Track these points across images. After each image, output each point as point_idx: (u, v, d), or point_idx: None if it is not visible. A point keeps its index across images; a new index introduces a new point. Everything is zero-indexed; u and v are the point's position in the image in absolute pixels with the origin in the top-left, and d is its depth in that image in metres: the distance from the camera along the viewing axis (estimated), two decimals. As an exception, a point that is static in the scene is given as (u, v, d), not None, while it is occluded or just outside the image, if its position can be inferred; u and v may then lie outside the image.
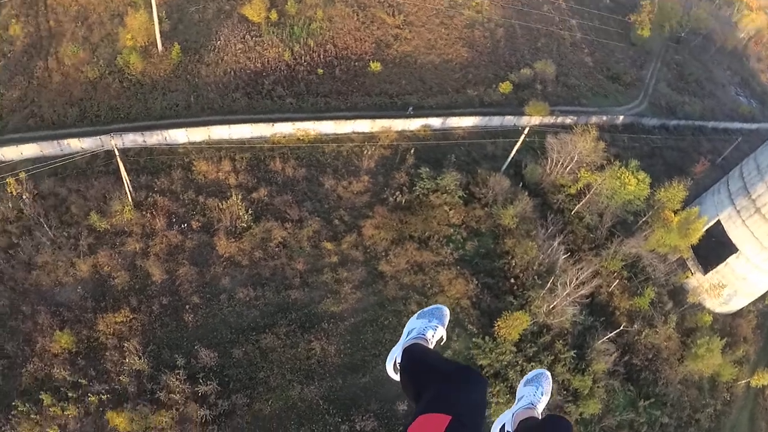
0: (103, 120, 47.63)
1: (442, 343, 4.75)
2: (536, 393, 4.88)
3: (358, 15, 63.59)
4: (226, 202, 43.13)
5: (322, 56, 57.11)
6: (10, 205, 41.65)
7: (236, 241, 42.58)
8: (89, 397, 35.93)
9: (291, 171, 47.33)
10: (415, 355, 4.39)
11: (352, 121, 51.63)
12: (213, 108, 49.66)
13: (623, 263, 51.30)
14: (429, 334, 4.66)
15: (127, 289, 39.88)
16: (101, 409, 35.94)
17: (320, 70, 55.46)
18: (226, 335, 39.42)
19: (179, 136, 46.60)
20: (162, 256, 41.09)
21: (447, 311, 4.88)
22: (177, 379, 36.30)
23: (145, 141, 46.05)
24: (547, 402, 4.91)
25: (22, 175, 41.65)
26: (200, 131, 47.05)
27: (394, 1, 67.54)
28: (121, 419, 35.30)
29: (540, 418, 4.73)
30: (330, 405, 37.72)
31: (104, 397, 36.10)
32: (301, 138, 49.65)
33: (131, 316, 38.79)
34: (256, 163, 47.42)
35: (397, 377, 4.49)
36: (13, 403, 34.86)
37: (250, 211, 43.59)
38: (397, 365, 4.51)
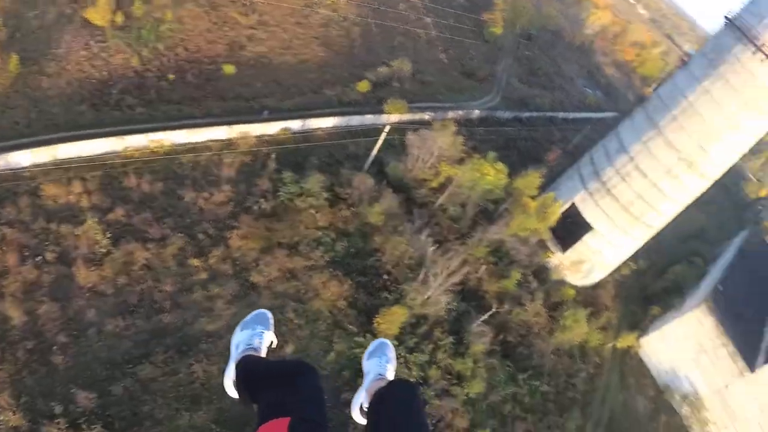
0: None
1: (274, 347, 4.82)
2: (381, 363, 4.89)
3: (209, 15, 62.35)
4: (81, 228, 40.48)
5: (172, 60, 55.34)
6: None
7: (97, 268, 40.07)
8: None
9: (147, 186, 45.35)
10: (245, 368, 4.39)
11: (208, 128, 50.44)
12: (57, 124, 46.25)
13: (488, 249, 54.75)
14: (256, 342, 4.70)
15: None
16: None
17: (171, 76, 53.68)
18: (101, 372, 36.94)
19: (22, 158, 42.76)
20: (18, 296, 37.49)
21: (269, 314, 5.00)
22: (58, 429, 33.60)
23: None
24: (394, 369, 4.98)
25: None
26: (45, 151, 43.54)
27: (248, 0, 67.04)
28: None
29: None
30: (222, 427, 36.83)
31: None
32: (155, 150, 47.74)
33: None
34: (109, 181, 44.85)
35: (236, 395, 4.46)
36: None
37: (108, 234, 41.23)
38: (232, 384, 4.49)
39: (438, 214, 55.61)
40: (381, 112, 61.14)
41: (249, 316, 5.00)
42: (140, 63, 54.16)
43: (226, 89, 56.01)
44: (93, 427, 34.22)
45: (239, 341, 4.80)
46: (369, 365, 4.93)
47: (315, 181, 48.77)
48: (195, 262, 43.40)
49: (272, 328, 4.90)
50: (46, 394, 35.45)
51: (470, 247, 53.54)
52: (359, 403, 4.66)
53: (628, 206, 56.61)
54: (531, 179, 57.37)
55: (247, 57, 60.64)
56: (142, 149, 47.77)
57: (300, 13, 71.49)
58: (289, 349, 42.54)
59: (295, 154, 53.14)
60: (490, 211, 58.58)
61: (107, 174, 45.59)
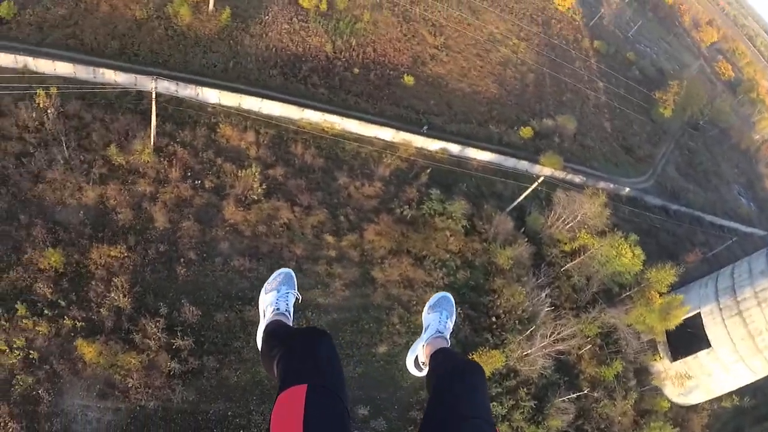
0: (141, 60, 50.58)
1: (299, 302, 5.23)
2: (441, 319, 5.15)
3: (401, 26, 67.98)
4: (243, 171, 46.31)
5: (360, 57, 61.09)
6: (34, 115, 44.19)
7: (244, 210, 45.72)
8: (64, 320, 38.38)
9: (310, 158, 50.81)
10: (267, 336, 4.64)
11: (377, 126, 55.48)
12: (249, 79, 53.01)
13: (599, 330, 55.79)
14: (283, 305, 4.96)
15: (128, 227, 42.56)
16: (72, 334, 38.30)
17: (356, 70, 59.34)
18: (212, 297, 42.31)
19: (211, 95, 49.77)
20: (169, 205, 43.98)
21: (293, 274, 5.26)
22: (155, 326, 38.89)
23: (177, 91, 49.05)
24: (452, 325, 5.28)
25: (53, 89, 44.43)
26: (232, 97, 50.29)
27: (438, 21, 72.20)
28: (91, 350, 37.65)
29: (449, 347, 4.98)
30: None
31: (79, 324, 38.46)
32: (326, 129, 53.25)
33: (125, 254, 41.36)
34: (279, 142, 50.82)
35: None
36: None
37: (263, 186, 46.83)
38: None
39: (561, 279, 57.40)
40: (536, 161, 63.94)
41: (273, 277, 5.23)
42: (332, 50, 60.26)
43: (402, 97, 61.00)
44: (186, 338, 39.31)
45: (267, 304, 5.06)
46: (429, 319, 5.22)
47: (459, 207, 52.21)
48: (329, 238, 48.01)
49: (296, 286, 5.17)
50: (158, 294, 41.27)
51: (583, 322, 54.85)
52: (415, 355, 5.06)
53: (755, 334, 55.66)
54: (665, 275, 57.69)
55: (426, 74, 65.52)
56: (314, 125, 53.38)
57: (482, 46, 75.86)
58: (382, 348, 45.93)
59: (446, 176, 57.00)
60: (613, 292, 59.56)
61: (279, 135, 51.52)
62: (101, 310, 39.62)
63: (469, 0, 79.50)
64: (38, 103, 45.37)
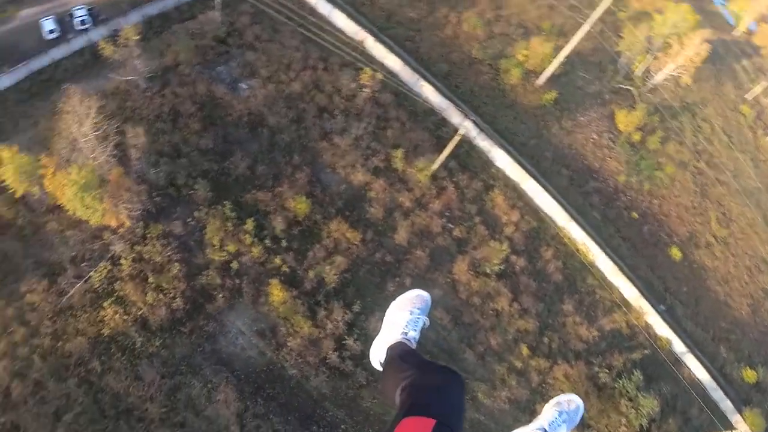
0: (458, 93, 53.80)
1: (426, 328, 4.99)
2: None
3: (695, 198, 65.44)
4: (492, 242, 47.12)
5: (644, 203, 59.69)
6: (352, 86, 50.02)
7: (472, 275, 46.47)
8: (276, 257, 42.57)
9: (552, 269, 50.11)
10: (400, 357, 4.55)
11: (626, 279, 53.59)
12: (539, 163, 53.87)
13: None
14: (411, 332, 4.83)
15: (372, 222, 46.37)
16: (274, 273, 42.25)
17: (635, 214, 57.99)
18: None
19: (501, 159, 51.34)
20: (415, 229, 47.06)
21: (429, 298, 5.10)
22: (342, 316, 41.72)
23: (475, 138, 51.19)
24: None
25: (379, 75, 49.27)
26: (518, 172, 51.32)
27: (730, 212, 68.73)
28: (279, 295, 40.94)
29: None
30: None
31: (284, 268, 42.46)
32: (580, 251, 52.36)
33: (356, 242, 44.77)
34: (534, 236, 51.01)
35: (380, 369, 4.77)
36: (224, 203, 42.66)
37: (500, 266, 47.24)
38: (380, 363, 4.80)
39: None
40: (739, 410, 57.85)
41: (411, 296, 5.08)
42: (624, 182, 59.41)
43: (660, 266, 58.42)
44: (357, 343, 40.70)
45: (395, 322, 4.93)
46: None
47: (649, 404, 48.39)
48: (524, 349, 46.54)
49: (428, 312, 5.02)
50: (360, 292, 43.48)
51: None
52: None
53: None
54: None
55: (693, 257, 62.30)
56: (572, 241, 52.66)
57: (758, 262, 70.84)
58: None
59: (658, 366, 53.19)
60: None
61: (538, 230, 52.14)
62: (309, 271, 42.63)
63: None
64: (360, 78, 49.54)
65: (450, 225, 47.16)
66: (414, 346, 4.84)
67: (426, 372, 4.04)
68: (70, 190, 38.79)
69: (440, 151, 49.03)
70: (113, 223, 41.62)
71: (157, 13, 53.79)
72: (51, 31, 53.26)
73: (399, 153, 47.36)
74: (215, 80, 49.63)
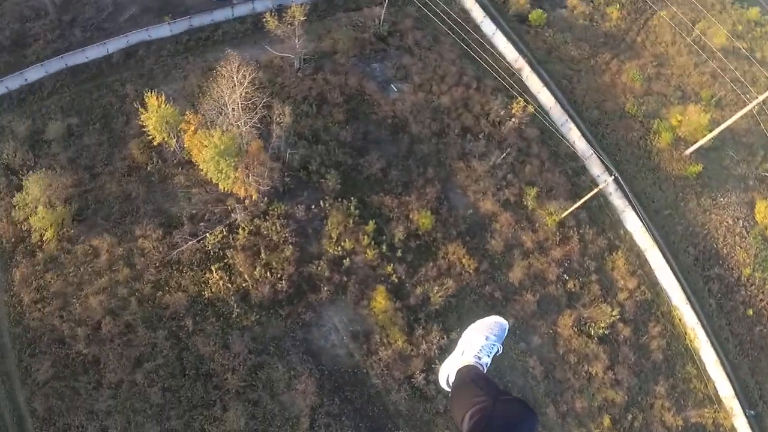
0: (603, 143, 52.82)
1: (498, 354, 4.99)
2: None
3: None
4: (604, 304, 45.61)
5: (762, 303, 56.47)
6: (502, 113, 49.32)
7: (575, 332, 44.84)
8: (387, 264, 42.85)
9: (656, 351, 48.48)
10: (469, 380, 4.58)
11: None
12: (667, 236, 51.76)
13: None
14: (484, 358, 4.86)
15: (491, 254, 45.48)
16: (382, 279, 42.47)
17: (750, 311, 55.03)
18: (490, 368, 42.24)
19: (632, 223, 49.67)
20: (531, 271, 45.89)
21: (507, 327, 5.12)
22: (437, 340, 40.83)
23: (611, 194, 49.75)
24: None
25: (530, 108, 48.91)
26: (645, 240, 49.27)
27: None
28: (382, 302, 40.76)
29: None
30: None
31: (393, 278, 42.62)
32: (687, 336, 50.40)
33: (470, 270, 44.07)
34: (646, 309, 48.43)
35: (448, 389, 4.83)
36: (351, 199, 44.01)
37: (605, 330, 45.65)
38: (449, 383, 4.83)
39: None
40: None
41: (490, 322, 5.05)
42: (749, 275, 56.19)
43: (766, 372, 55.31)
44: None
45: (471, 344, 4.92)
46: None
47: None
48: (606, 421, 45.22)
49: (503, 340, 5.01)
50: (461, 320, 42.37)
51: None
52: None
53: None
54: None
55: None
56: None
57: None
58: None
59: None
60: None
61: (651, 305, 49.39)
62: (418, 287, 42.53)
63: None
64: (512, 107, 48.90)
65: (565, 276, 46.00)
66: (485, 371, 4.85)
67: (500, 402, 3.95)
68: (208, 152, 39.98)
69: (573, 198, 47.92)
70: (241, 193, 42.65)
71: (323, -3, 54.94)
72: (219, -7, 55.56)
73: (533, 191, 46.56)
74: (368, 76, 50.26)
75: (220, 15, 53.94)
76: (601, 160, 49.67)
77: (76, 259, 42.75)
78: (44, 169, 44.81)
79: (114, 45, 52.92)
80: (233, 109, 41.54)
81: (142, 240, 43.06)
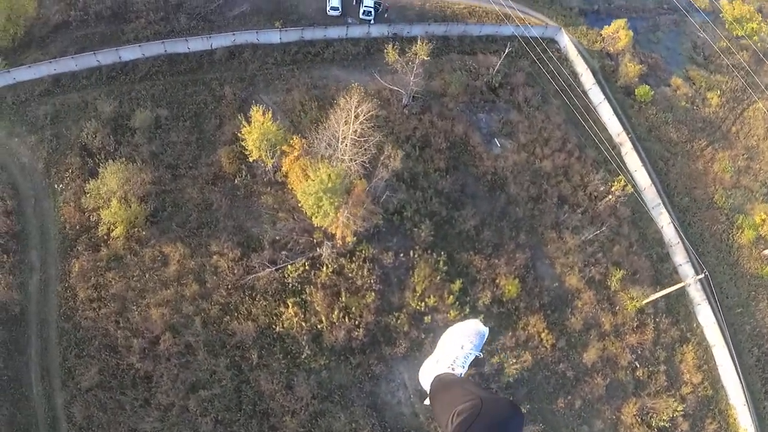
0: (689, 233, 53.03)
1: (478, 359, 4.89)
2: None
3: None
4: (665, 398, 45.92)
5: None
6: (601, 188, 48.34)
7: (641, 427, 45.47)
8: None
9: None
10: (451, 382, 4.56)
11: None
12: (735, 333, 52.30)
13: None
14: (459, 367, 4.77)
15: (568, 332, 45.72)
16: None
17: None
18: None
19: (706, 318, 50.22)
20: (604, 356, 46.01)
21: (486, 334, 4.95)
22: None
23: (690, 285, 49.96)
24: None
25: (629, 188, 49.51)
26: (716, 336, 50.10)
27: None
28: None
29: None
30: None
31: None
32: None
33: (547, 347, 44.37)
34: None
35: (427, 389, 4.78)
36: (441, 253, 42.98)
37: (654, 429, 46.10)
38: (429, 386, 4.77)
39: None
40: None
41: (470, 327, 4.96)
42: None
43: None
44: None
45: (449, 351, 4.87)
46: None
47: None
48: None
49: (481, 347, 4.93)
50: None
51: None
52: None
53: None
54: None
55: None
56: None
57: None
58: None
59: None
60: None
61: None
62: (494, 356, 42.20)
63: None
64: (612, 184, 49.08)
65: (636, 363, 46.40)
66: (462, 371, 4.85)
67: (488, 401, 3.90)
68: (311, 186, 38.64)
69: (654, 284, 48.57)
70: (337, 234, 41.38)
71: (441, 34, 54.45)
72: (334, 9, 55.01)
73: (619, 273, 46.89)
74: (473, 126, 50.14)
75: (334, 33, 53.30)
76: (690, 255, 49.84)
77: (143, 263, 41.18)
78: (124, 159, 43.33)
79: (219, 41, 51.57)
80: (343, 142, 40.64)
81: (217, 257, 41.57)
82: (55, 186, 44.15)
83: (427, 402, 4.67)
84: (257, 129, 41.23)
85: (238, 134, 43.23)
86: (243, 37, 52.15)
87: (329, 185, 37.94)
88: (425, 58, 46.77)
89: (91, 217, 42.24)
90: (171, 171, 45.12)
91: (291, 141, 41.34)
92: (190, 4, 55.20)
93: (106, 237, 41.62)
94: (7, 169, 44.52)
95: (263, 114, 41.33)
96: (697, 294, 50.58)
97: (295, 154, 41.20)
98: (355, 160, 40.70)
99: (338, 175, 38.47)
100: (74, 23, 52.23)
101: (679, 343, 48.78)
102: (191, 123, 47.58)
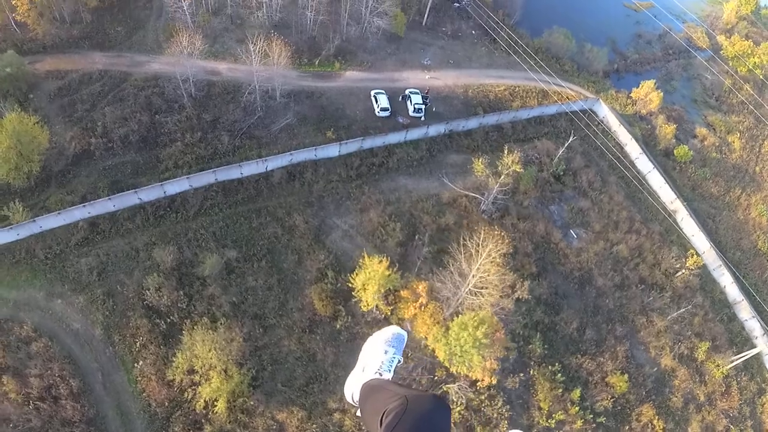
0: (746, 286, 56.42)
1: (400, 364, 5.02)
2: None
3: None
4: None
5: None
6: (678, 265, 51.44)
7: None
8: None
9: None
10: (376, 387, 4.59)
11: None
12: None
13: None
14: (385, 373, 4.89)
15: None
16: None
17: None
18: None
19: None
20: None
21: (405, 336, 5.13)
22: None
23: (756, 337, 54.27)
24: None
25: (699, 260, 52.53)
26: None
27: None
28: None
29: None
30: None
31: None
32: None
33: None
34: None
35: (354, 404, 4.84)
36: (554, 364, 44.54)
37: None
38: (355, 399, 4.82)
39: None
40: None
41: (388, 333, 5.13)
42: None
43: None
44: None
45: (372, 359, 5.03)
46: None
47: None
48: None
49: (402, 350, 5.11)
50: None
51: None
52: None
53: None
54: None
55: None
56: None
57: None
58: None
59: None
60: None
61: None
62: None
63: None
64: (686, 260, 52.27)
65: (730, 426, 50.40)
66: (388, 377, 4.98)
67: (413, 398, 3.91)
68: (455, 339, 38.05)
69: (730, 345, 52.37)
70: (483, 381, 40.94)
71: (492, 124, 55.07)
72: (384, 110, 54.28)
73: (704, 345, 50.41)
74: (550, 220, 51.54)
75: (393, 138, 52.68)
76: (753, 309, 53.73)
77: (259, 436, 37.86)
78: (205, 319, 39.37)
79: (275, 162, 48.56)
80: (473, 285, 39.62)
81: (339, 414, 39.26)
82: (124, 356, 39.84)
83: (359, 413, 4.63)
84: (375, 279, 39.44)
85: (326, 271, 41.90)
86: (301, 156, 49.72)
87: (483, 341, 37.66)
88: (516, 170, 47.10)
89: (182, 390, 38.37)
90: (259, 322, 42.02)
91: (414, 286, 41.06)
92: (227, 119, 52.15)
93: (205, 411, 37.89)
94: (58, 340, 39.76)
95: (380, 262, 39.46)
96: (765, 346, 54.85)
97: (422, 300, 40.94)
98: (488, 301, 40.41)
99: (483, 330, 37.84)
100: (97, 152, 48.23)
101: (758, 395, 53.18)
102: (267, 263, 44.48)
